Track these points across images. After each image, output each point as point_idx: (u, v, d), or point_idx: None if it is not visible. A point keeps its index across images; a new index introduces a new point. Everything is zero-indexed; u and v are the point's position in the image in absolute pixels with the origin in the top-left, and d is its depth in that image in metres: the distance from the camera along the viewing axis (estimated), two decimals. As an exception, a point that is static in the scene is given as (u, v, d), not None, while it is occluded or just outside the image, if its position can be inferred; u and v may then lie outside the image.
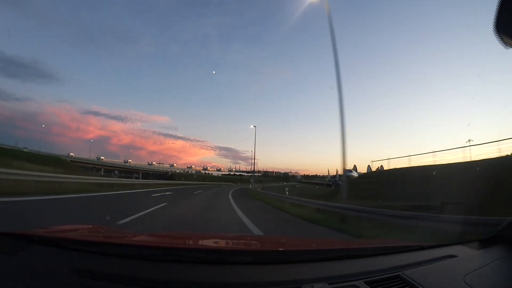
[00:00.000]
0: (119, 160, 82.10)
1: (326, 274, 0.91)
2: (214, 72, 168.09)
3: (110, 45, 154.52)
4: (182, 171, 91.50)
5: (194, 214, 7.45)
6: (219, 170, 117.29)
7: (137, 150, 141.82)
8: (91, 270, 0.84)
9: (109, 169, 69.20)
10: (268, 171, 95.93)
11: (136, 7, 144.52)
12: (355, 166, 43.66)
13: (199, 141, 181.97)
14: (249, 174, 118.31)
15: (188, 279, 0.82)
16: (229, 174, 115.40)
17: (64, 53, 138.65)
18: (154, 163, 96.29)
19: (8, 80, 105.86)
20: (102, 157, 78.82)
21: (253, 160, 37.57)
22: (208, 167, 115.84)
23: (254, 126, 33.95)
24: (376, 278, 0.91)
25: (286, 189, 17.19)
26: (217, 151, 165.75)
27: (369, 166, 43.20)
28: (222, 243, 1.54)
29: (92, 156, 74.67)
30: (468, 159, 14.09)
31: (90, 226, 1.56)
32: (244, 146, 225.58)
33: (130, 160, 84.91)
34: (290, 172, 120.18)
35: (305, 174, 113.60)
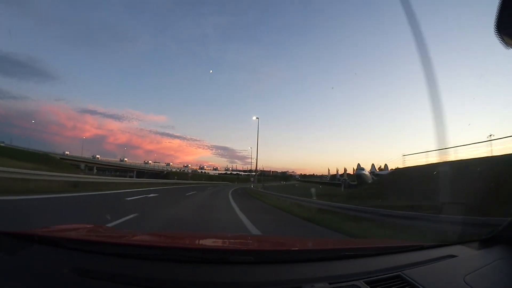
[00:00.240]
0: (114, 159, 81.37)
1: (327, 274, 0.91)
2: (211, 71, 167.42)
3: (107, 43, 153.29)
4: (178, 170, 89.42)
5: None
6: (215, 169, 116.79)
7: (134, 149, 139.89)
8: (91, 269, 0.83)
9: (102, 168, 67.68)
10: (265, 171, 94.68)
11: (134, 6, 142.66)
12: (358, 164, 40.91)
13: (196, 140, 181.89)
14: (246, 173, 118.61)
15: (188, 279, 0.81)
16: (225, 173, 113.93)
17: (61, 51, 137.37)
18: (150, 162, 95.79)
19: (4, 78, 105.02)
20: (97, 156, 77.88)
21: (255, 156, 35.09)
22: (205, 166, 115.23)
23: (257, 118, 29.96)
24: (376, 278, 0.91)
25: (313, 190, 13.42)
26: (213, 150, 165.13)
27: (372, 165, 41.90)
28: (222, 243, 1.50)
29: (88, 155, 73.73)
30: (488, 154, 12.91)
31: (90, 226, 1.53)
32: (240, 146, 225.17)
33: (126, 159, 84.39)
34: (287, 171, 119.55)
35: (302, 174, 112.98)
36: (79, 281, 0.76)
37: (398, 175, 15.93)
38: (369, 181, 28.77)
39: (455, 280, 0.92)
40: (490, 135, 15.40)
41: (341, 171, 53.79)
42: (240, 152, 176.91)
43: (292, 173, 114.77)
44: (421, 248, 1.26)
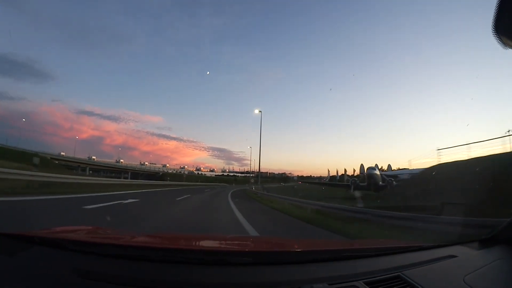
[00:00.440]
0: (110, 160, 79.82)
1: (326, 274, 0.90)
2: (208, 72, 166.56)
3: (104, 44, 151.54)
4: (174, 172, 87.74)
5: None
6: (212, 170, 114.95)
7: (131, 150, 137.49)
8: (91, 271, 0.82)
9: (97, 169, 66.17)
10: (262, 172, 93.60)
11: (131, 7, 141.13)
12: (362, 165, 37.87)
13: (193, 141, 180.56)
14: (243, 174, 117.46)
15: (188, 280, 0.81)
16: (222, 175, 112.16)
17: (58, 52, 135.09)
18: (146, 163, 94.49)
19: (2, 78, 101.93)
20: (93, 157, 76.81)
21: (258, 153, 31.30)
22: (202, 168, 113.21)
23: (260, 111, 26.58)
24: (376, 278, 0.90)
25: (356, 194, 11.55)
26: (210, 152, 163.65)
27: (376, 165, 39.45)
28: (221, 244, 1.48)
29: (85, 156, 73.05)
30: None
31: (90, 227, 1.53)
32: (237, 147, 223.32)
33: (122, 160, 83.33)
34: (284, 173, 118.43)
35: (299, 175, 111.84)
36: (79, 282, 0.77)
37: (442, 172, 12.63)
38: (380, 183, 26.16)
39: (455, 280, 0.92)
40: (509, 131, 14.23)
41: (341, 172, 52.33)
42: (237, 154, 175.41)
43: (289, 175, 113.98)
44: (421, 248, 1.26)
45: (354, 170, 53.17)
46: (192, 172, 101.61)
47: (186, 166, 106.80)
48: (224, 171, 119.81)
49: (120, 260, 0.88)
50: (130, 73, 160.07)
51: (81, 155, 73.52)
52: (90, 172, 59.68)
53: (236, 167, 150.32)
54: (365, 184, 27.97)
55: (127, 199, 9.32)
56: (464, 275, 0.93)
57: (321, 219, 6.88)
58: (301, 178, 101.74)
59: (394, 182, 25.34)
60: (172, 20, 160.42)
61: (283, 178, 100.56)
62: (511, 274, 1.04)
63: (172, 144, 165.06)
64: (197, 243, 1.40)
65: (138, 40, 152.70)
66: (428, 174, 14.07)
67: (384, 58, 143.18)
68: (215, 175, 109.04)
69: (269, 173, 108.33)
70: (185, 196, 14.31)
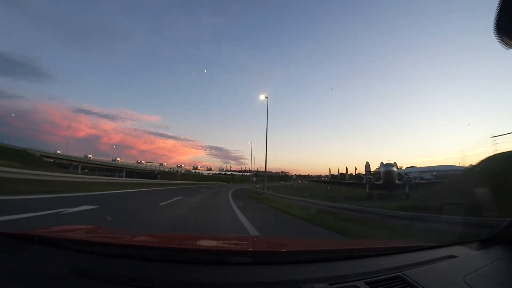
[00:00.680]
0: (107, 159, 78.27)
1: (326, 274, 0.89)
2: (205, 71, 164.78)
3: (102, 43, 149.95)
4: (171, 170, 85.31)
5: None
6: (209, 169, 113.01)
7: (128, 149, 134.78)
8: (91, 270, 0.82)
9: (90, 167, 64.52)
10: (260, 171, 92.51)
11: (129, 6, 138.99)
12: (367, 163, 35.20)
13: (190, 140, 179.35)
14: (240, 173, 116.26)
15: (188, 280, 0.80)
16: (220, 174, 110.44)
17: (56, 50, 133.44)
18: (143, 161, 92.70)
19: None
20: (89, 156, 75.40)
21: (265, 148, 29.99)
22: (199, 167, 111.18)
23: (266, 97, 22.74)
24: (376, 278, 0.90)
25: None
26: (207, 151, 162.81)
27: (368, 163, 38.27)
28: (221, 244, 1.44)
29: (81, 155, 71.65)
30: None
31: (90, 227, 1.53)
32: (235, 146, 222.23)
33: (119, 159, 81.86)
34: (282, 172, 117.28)
35: (296, 174, 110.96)
36: (78, 281, 0.76)
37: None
38: (397, 181, 23.48)
39: (455, 280, 0.92)
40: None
41: (342, 171, 50.82)
42: (234, 153, 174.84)
43: (287, 174, 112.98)
44: (421, 248, 1.25)
45: (356, 169, 52.10)
46: (189, 170, 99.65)
47: (183, 165, 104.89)
48: (221, 169, 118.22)
49: (120, 260, 0.87)
50: (128, 72, 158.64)
51: (78, 153, 72.05)
52: (86, 170, 58.39)
53: (234, 165, 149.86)
54: (381, 182, 24.96)
55: (78, 207, 5.99)
56: (464, 275, 0.93)
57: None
58: (299, 177, 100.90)
59: (412, 180, 23.04)
60: (171, 19, 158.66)
61: (282, 177, 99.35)
62: (510, 274, 1.04)
63: (169, 143, 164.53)
64: (197, 243, 1.41)
65: (136, 39, 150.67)
66: (492, 166, 10.14)
67: (384, 58, 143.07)
68: (212, 173, 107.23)
69: (260, 172, 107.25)
70: (174, 199, 10.91)
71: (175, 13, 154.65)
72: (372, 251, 1.19)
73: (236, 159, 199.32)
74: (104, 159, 77.32)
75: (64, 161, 55.25)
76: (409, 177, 23.39)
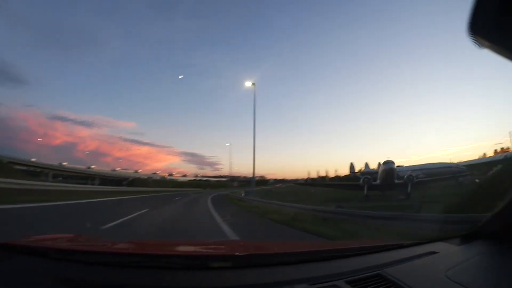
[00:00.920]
0: (82, 166, 77.04)
1: (307, 275, 0.89)
2: (181, 77, 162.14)
3: (78, 48, 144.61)
4: (146, 177, 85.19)
5: None
6: (184, 175, 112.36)
7: (104, 156, 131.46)
8: (73, 279, 0.80)
9: (61, 174, 64.04)
10: (234, 176, 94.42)
11: (105, 10, 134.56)
12: (352, 164, 34.31)
13: (165, 147, 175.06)
14: (216, 179, 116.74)
15: (170, 285, 0.80)
16: (195, 180, 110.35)
17: (31, 56, 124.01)
18: (118, 169, 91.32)
19: None
20: (64, 163, 73.53)
21: (253, 146, 21.48)
22: (174, 173, 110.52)
23: (253, 84, 21.78)
24: (357, 277, 0.90)
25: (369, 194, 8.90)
26: (183, 157, 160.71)
27: (366, 163, 34.99)
28: (203, 249, 1.47)
29: (56, 162, 70.41)
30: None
31: (71, 235, 1.49)
32: (209, 152, 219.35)
33: (94, 166, 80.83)
34: (261, 176, 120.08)
35: (272, 178, 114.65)
36: None
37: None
38: (396, 181, 21.42)
39: (436, 275, 0.93)
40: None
41: (322, 174, 51.51)
42: (209, 159, 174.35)
43: (264, 178, 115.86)
44: (401, 246, 1.28)
45: (336, 171, 55.23)
46: (164, 177, 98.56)
47: (158, 172, 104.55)
48: (196, 176, 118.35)
49: (102, 267, 0.88)
50: (104, 77, 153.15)
51: (54, 161, 71.15)
52: (60, 178, 58.29)
53: (209, 171, 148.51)
54: (378, 182, 22.72)
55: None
56: (445, 270, 0.93)
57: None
58: (276, 181, 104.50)
59: (415, 179, 20.91)
60: (146, 23, 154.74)
61: (260, 181, 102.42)
62: (491, 268, 1.05)
63: (145, 149, 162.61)
64: (178, 248, 1.42)
65: (112, 44, 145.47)
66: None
67: (367, 57, 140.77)
68: (188, 179, 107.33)
69: (241, 176, 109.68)
70: (136, 213, 8.08)
71: (150, 17, 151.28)
72: (352, 250, 1.21)
73: (211, 164, 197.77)
74: (79, 166, 76.25)
75: (38, 169, 54.83)
76: (411, 175, 21.32)
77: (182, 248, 1.48)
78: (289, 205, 10.83)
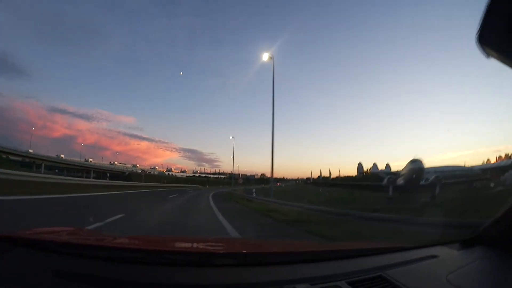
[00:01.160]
0: (79, 159, 76.07)
1: (308, 275, 0.89)
2: (181, 73, 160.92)
3: (80, 41, 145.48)
4: (139, 171, 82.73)
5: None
6: (183, 171, 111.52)
7: (102, 150, 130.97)
8: (73, 272, 0.81)
9: (58, 167, 62.38)
10: (234, 174, 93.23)
11: (107, 4, 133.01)
12: (360, 163, 35.63)
13: (164, 142, 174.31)
14: (215, 176, 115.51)
15: (171, 282, 0.80)
16: (194, 176, 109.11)
17: (33, 47, 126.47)
18: (116, 163, 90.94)
19: None
20: (61, 155, 73.65)
21: (271, 146, 15.80)
22: (172, 169, 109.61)
23: (271, 58, 15.75)
24: (358, 278, 0.90)
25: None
26: (181, 153, 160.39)
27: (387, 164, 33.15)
28: (205, 246, 1.44)
29: (54, 155, 69.88)
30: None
31: (72, 229, 1.50)
32: (208, 149, 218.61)
33: (91, 159, 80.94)
34: (256, 174, 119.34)
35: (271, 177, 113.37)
36: (61, 284, 0.75)
37: None
38: (420, 183, 19.52)
39: (437, 279, 0.92)
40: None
41: (325, 173, 51.04)
42: (208, 155, 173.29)
43: (264, 176, 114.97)
44: (403, 249, 1.27)
45: (329, 171, 54.43)
46: (162, 172, 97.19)
47: (156, 167, 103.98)
48: (195, 172, 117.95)
49: (102, 262, 0.87)
50: (105, 72, 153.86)
51: (53, 153, 70.80)
52: (56, 170, 56.60)
53: (208, 168, 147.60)
54: (402, 183, 20.53)
55: None
56: (446, 274, 0.93)
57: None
58: (276, 180, 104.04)
59: (442, 180, 19.31)
60: (148, 18, 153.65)
61: (263, 180, 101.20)
62: (492, 273, 1.04)
63: (144, 144, 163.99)
64: (180, 245, 1.40)
65: (113, 38, 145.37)
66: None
67: (366, 59, 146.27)
68: (186, 176, 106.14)
69: (241, 175, 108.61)
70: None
71: (153, 12, 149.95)
72: (354, 252, 1.21)
73: (210, 161, 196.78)
74: (76, 159, 75.15)
75: (34, 160, 53.24)
76: (438, 176, 19.59)
77: (184, 245, 1.41)
78: (315, 208, 7.71)
